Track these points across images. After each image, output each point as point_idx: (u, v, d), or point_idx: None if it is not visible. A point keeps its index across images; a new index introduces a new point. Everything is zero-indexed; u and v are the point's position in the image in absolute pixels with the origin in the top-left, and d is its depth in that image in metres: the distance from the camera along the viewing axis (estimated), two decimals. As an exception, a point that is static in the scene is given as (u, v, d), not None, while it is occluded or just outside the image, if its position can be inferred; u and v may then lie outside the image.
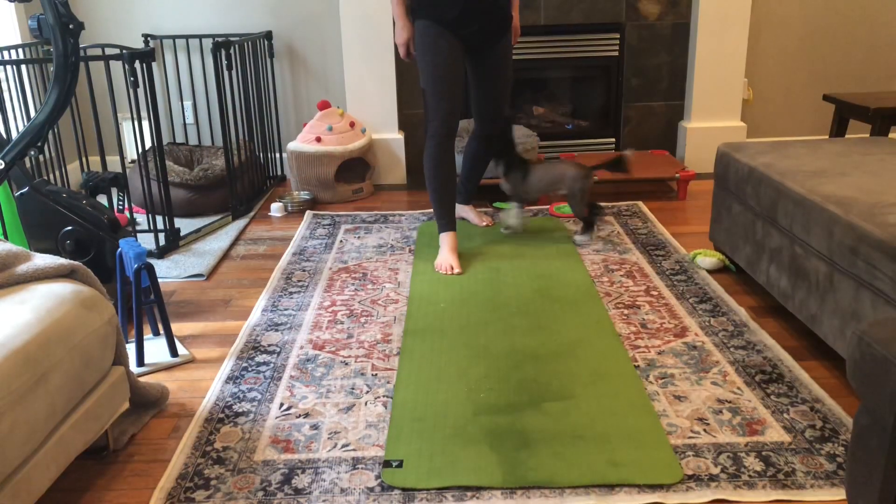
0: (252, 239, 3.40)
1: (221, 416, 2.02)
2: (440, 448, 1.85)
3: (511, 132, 3.25)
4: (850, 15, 4.25)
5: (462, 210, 3.45)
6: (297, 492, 1.72)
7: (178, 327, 2.54)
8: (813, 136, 4.45)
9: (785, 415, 1.96)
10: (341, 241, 3.30)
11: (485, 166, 3.30)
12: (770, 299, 2.63)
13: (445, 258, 2.94)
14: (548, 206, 3.64)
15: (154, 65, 4.14)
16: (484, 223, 3.40)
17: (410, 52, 3.00)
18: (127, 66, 2.94)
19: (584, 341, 2.35)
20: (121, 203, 3.09)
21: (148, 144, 4.15)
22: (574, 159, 3.63)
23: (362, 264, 3.03)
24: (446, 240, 3.00)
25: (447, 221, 3.02)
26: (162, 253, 3.17)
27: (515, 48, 3.33)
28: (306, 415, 2.01)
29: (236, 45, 3.64)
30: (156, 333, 2.46)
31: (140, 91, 3.33)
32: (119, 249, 2.31)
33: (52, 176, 3.47)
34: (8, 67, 3.41)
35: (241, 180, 3.73)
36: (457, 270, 2.89)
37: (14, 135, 3.33)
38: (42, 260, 1.78)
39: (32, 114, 3.46)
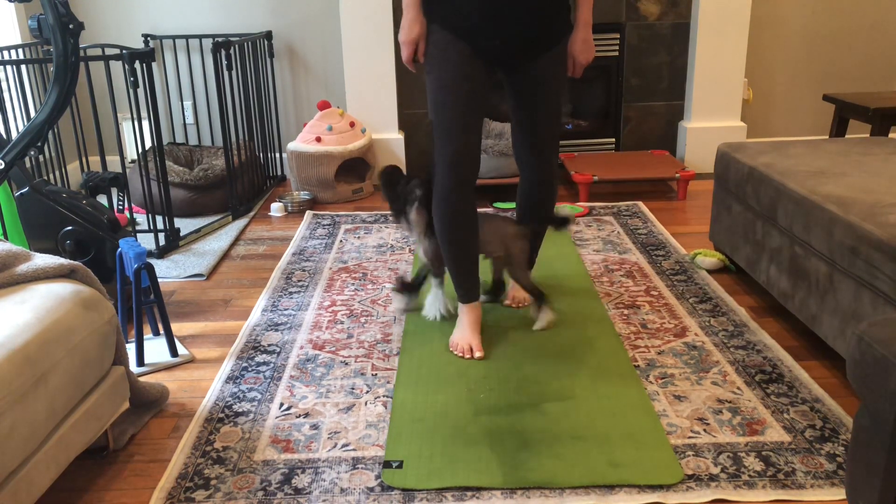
0: (252, 239, 3.40)
1: (221, 415, 2.02)
2: (440, 448, 1.84)
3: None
4: (850, 15, 4.25)
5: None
6: (297, 492, 1.72)
7: (178, 327, 2.54)
8: (813, 136, 4.45)
9: (785, 415, 1.96)
10: (341, 241, 3.30)
11: (534, 224, 2.47)
12: (770, 299, 2.63)
13: (464, 336, 2.31)
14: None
15: (154, 65, 4.14)
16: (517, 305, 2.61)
17: (418, 56, 2.19)
18: (127, 66, 2.94)
19: (584, 341, 2.35)
20: (121, 203, 3.09)
21: (148, 144, 4.15)
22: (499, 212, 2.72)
23: (362, 264, 3.03)
24: (466, 313, 2.33)
25: (466, 290, 2.32)
26: (162, 253, 3.17)
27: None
28: (306, 415, 2.01)
29: (236, 45, 3.64)
30: (156, 333, 2.46)
31: (140, 91, 3.33)
32: (119, 249, 2.31)
33: (52, 176, 3.47)
34: (8, 67, 3.41)
35: (241, 180, 3.73)
36: (478, 354, 2.26)
37: (14, 135, 3.33)
38: (42, 260, 1.78)
39: (32, 114, 3.46)
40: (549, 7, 2.13)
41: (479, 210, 2.32)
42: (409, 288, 2.58)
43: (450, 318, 2.49)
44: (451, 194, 2.19)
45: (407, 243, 3.23)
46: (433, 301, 2.53)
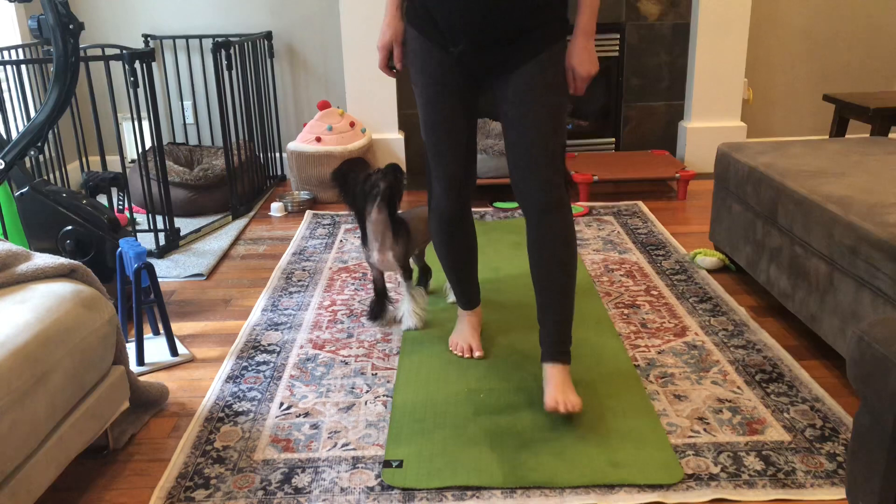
0: (252, 239, 3.40)
1: (221, 415, 2.02)
2: (440, 448, 1.84)
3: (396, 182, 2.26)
4: (850, 15, 4.25)
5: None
6: (297, 491, 1.72)
7: (178, 327, 2.54)
8: (813, 136, 4.45)
9: (785, 414, 1.96)
10: (341, 241, 3.30)
11: (550, 275, 1.97)
12: (770, 299, 2.63)
13: (463, 336, 2.31)
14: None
15: (154, 65, 4.14)
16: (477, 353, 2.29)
17: (396, 63, 2.05)
18: (127, 66, 2.94)
19: (584, 341, 2.35)
20: (121, 203, 3.09)
21: (148, 144, 4.15)
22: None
23: (362, 264, 3.03)
24: (467, 316, 2.34)
25: (469, 298, 2.32)
26: (162, 253, 3.17)
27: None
28: (306, 414, 2.01)
29: (236, 45, 3.64)
30: (156, 333, 2.46)
31: (140, 91, 3.33)
32: (119, 249, 2.31)
33: (52, 176, 3.47)
34: (8, 67, 3.41)
35: (241, 180, 3.73)
36: (477, 354, 2.26)
37: (14, 135, 3.33)
38: (42, 260, 1.78)
39: (32, 114, 3.46)
40: (526, 5, 1.82)
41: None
42: (380, 306, 2.49)
43: (428, 326, 2.46)
44: (451, 214, 2.12)
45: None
46: (408, 313, 2.44)
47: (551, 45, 1.88)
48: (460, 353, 2.28)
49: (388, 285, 2.54)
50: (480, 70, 1.93)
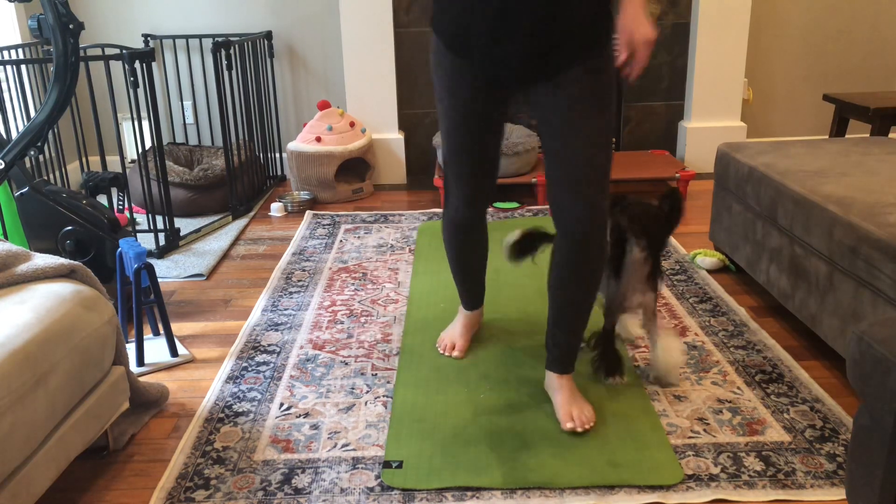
0: (252, 239, 3.40)
1: (221, 415, 2.02)
2: (440, 448, 1.85)
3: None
4: (850, 15, 4.25)
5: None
6: (297, 492, 1.72)
7: (178, 327, 2.54)
8: (813, 136, 4.45)
9: (785, 415, 1.96)
10: (341, 241, 3.30)
11: (572, 298, 1.91)
12: (770, 299, 2.63)
13: (451, 335, 2.32)
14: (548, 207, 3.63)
15: (154, 65, 4.14)
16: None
17: None
18: (127, 66, 2.94)
19: (583, 341, 2.35)
20: (121, 203, 3.09)
21: (148, 144, 4.15)
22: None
23: (362, 264, 3.03)
24: (463, 316, 2.34)
25: (470, 300, 2.31)
26: (162, 253, 3.17)
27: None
28: (306, 415, 2.01)
29: (236, 45, 3.64)
30: (156, 333, 2.46)
31: (140, 91, 3.33)
32: (119, 249, 2.31)
33: (52, 176, 3.47)
34: (8, 67, 3.41)
35: (241, 180, 3.73)
36: (455, 353, 2.26)
37: (14, 135, 3.33)
38: (42, 260, 1.78)
39: (32, 114, 3.46)
40: (568, 6, 1.65)
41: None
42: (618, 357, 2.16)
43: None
44: (466, 224, 2.10)
45: (407, 243, 3.23)
46: (668, 367, 2.10)
47: (599, 49, 1.73)
48: (442, 350, 2.30)
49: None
50: (516, 81, 1.80)
